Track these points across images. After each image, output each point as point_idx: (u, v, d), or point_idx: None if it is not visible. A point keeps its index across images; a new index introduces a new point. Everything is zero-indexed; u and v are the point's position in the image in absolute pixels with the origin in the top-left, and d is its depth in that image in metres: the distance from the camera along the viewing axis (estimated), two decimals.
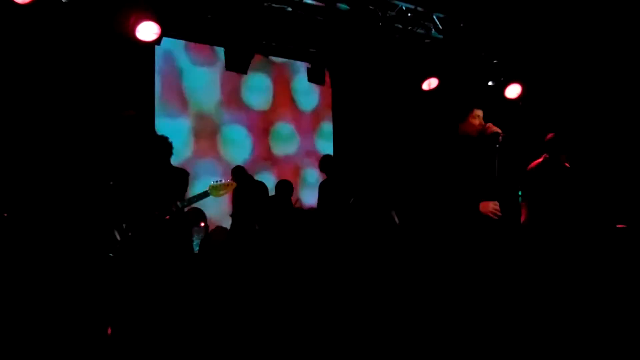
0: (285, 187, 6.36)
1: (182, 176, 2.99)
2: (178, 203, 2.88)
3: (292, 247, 5.93)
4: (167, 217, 2.83)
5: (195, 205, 3.81)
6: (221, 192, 3.14)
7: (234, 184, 3.29)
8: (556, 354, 3.29)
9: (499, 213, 3.08)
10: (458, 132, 3.30)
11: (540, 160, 4.73)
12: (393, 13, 5.86)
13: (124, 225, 2.71)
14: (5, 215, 4.60)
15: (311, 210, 6.91)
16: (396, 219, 5.96)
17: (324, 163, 6.11)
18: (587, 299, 4.23)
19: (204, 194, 3.08)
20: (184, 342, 3.47)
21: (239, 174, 6.30)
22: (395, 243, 5.96)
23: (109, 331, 2.69)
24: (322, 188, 6.05)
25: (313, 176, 7.82)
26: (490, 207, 3.08)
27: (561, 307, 4.02)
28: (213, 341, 3.70)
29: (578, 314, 3.94)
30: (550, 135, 4.69)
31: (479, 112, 3.28)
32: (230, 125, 7.57)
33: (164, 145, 2.90)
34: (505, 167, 3.15)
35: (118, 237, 2.70)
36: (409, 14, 5.91)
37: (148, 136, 2.86)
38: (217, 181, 3.17)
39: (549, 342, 3.46)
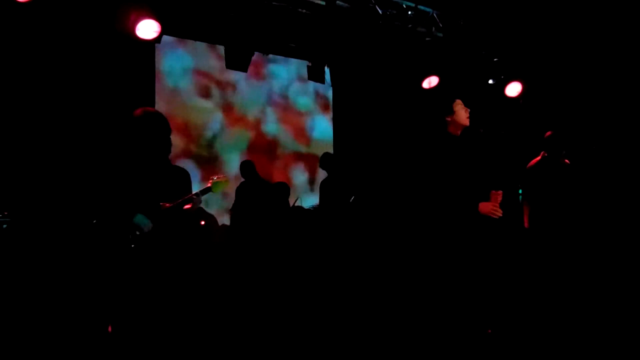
0: (282, 189, 6.37)
1: (185, 175, 2.97)
2: (199, 192, 2.85)
3: (293, 246, 5.93)
4: (189, 205, 2.78)
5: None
6: (220, 188, 3.10)
7: (229, 181, 3.23)
8: (556, 354, 3.29)
9: (499, 212, 3.06)
10: (450, 125, 3.29)
11: (538, 158, 4.73)
12: (394, 11, 5.85)
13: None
14: (6, 213, 4.60)
15: (312, 209, 6.91)
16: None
17: (324, 161, 6.10)
18: (589, 297, 4.23)
19: (207, 189, 3.04)
20: (184, 341, 3.47)
21: (247, 169, 6.12)
22: (395, 241, 5.97)
23: (110, 329, 2.69)
24: (323, 186, 6.04)
25: None
26: (490, 207, 3.05)
27: (562, 305, 4.03)
28: (213, 340, 3.70)
29: (578, 312, 3.95)
30: (548, 133, 4.69)
31: (460, 101, 3.30)
32: None
33: (169, 143, 2.88)
34: (505, 164, 3.15)
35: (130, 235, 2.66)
36: (409, 12, 5.90)
37: (166, 134, 2.83)
38: (217, 177, 3.13)
39: (548, 341, 3.46)
